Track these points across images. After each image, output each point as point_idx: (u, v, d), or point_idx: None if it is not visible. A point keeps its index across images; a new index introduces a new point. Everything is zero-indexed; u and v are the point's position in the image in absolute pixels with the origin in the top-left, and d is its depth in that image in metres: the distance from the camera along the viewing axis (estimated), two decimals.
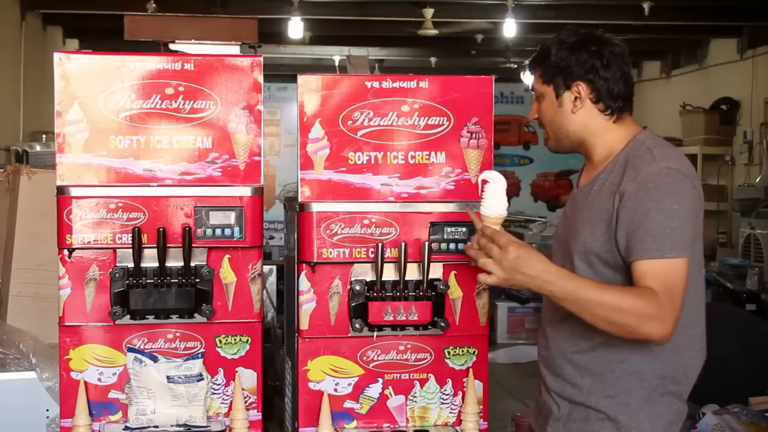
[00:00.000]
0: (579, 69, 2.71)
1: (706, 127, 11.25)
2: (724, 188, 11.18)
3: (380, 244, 3.19)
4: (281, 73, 13.01)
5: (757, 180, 9.79)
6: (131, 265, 3.13)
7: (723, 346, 4.35)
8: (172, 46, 3.51)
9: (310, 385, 3.28)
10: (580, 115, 2.73)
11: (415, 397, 3.29)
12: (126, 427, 3.15)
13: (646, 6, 9.59)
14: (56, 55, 3.17)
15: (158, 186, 3.17)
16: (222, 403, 3.25)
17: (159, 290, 3.14)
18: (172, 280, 3.14)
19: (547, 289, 2.54)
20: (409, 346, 3.21)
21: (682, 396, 2.77)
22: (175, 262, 3.15)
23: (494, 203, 2.67)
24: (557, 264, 2.65)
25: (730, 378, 4.15)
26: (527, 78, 2.87)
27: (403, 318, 3.19)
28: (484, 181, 2.72)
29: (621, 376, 2.69)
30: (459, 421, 3.29)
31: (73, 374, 3.18)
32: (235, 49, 3.47)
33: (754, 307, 7.13)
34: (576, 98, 2.72)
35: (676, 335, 2.57)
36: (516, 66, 13.76)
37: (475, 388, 3.28)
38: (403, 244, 3.19)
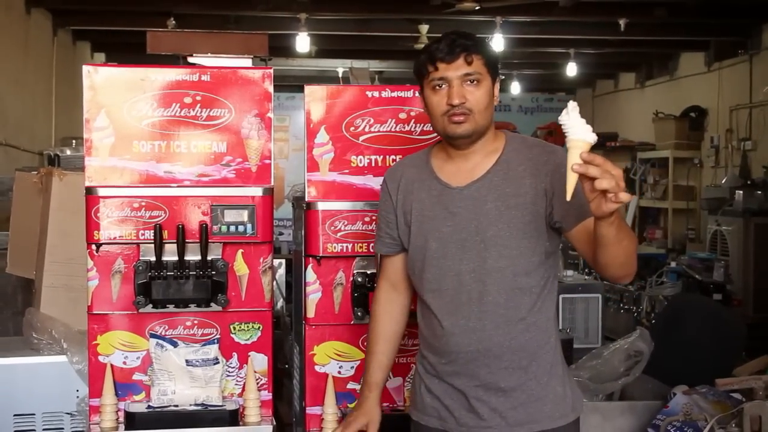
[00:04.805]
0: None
1: (677, 132, 11.25)
2: (693, 188, 11.18)
3: None
4: (289, 84, 12.99)
5: (723, 181, 9.80)
6: (153, 258, 3.13)
7: (692, 333, 4.35)
8: (190, 59, 3.50)
9: (316, 368, 3.28)
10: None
11: (411, 378, 3.28)
12: (149, 406, 3.15)
13: (622, 22, 9.59)
14: (85, 68, 3.16)
15: (178, 186, 3.17)
16: (236, 384, 3.25)
17: (178, 282, 3.14)
18: (190, 273, 3.14)
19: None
20: (405, 332, 3.20)
21: None
22: (193, 256, 3.15)
23: (586, 127, 2.25)
24: (467, 259, 2.60)
25: (698, 361, 4.14)
26: (459, 66, 2.61)
27: None
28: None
29: (551, 350, 2.67)
30: None
31: (100, 358, 3.18)
32: (247, 62, 3.46)
33: (720, 296, 7.12)
34: (498, 92, 2.67)
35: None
36: (504, 77, 13.77)
37: None
38: None
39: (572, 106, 2.28)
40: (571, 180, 2.24)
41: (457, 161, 2.69)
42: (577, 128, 2.26)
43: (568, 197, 2.27)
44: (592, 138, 2.25)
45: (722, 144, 10.56)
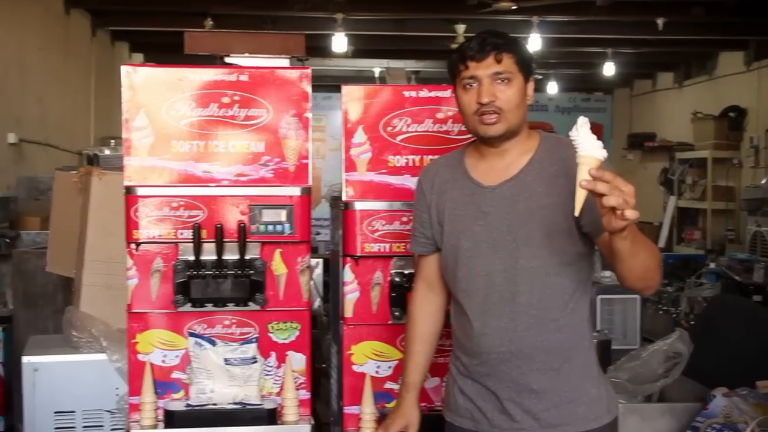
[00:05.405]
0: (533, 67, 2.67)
1: (716, 132, 11.16)
2: (732, 189, 11.08)
3: None
4: (326, 84, 13.02)
5: (763, 181, 9.69)
6: (192, 257, 3.14)
7: (732, 334, 4.31)
8: (227, 60, 3.52)
9: (354, 367, 3.29)
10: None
11: (446, 379, 3.28)
12: (188, 405, 3.17)
13: (660, 22, 9.53)
14: (123, 68, 3.18)
15: (216, 186, 3.18)
16: (274, 383, 3.26)
17: (217, 281, 3.15)
18: (228, 272, 3.15)
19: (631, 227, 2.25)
20: (443, 332, 3.20)
21: None
22: (231, 255, 3.16)
23: (596, 144, 2.24)
24: (499, 258, 2.57)
25: (738, 363, 4.10)
26: (489, 64, 2.61)
27: None
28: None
29: (584, 351, 2.64)
30: None
31: (139, 356, 3.20)
32: (284, 62, 3.47)
33: (760, 298, 7.05)
34: (532, 91, 2.65)
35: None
36: (541, 77, 13.72)
37: None
38: None
39: (582, 122, 2.26)
40: (580, 196, 2.23)
41: (490, 160, 2.67)
42: (586, 144, 2.24)
43: (576, 213, 2.26)
44: (602, 154, 2.23)
45: (762, 144, 10.46)
